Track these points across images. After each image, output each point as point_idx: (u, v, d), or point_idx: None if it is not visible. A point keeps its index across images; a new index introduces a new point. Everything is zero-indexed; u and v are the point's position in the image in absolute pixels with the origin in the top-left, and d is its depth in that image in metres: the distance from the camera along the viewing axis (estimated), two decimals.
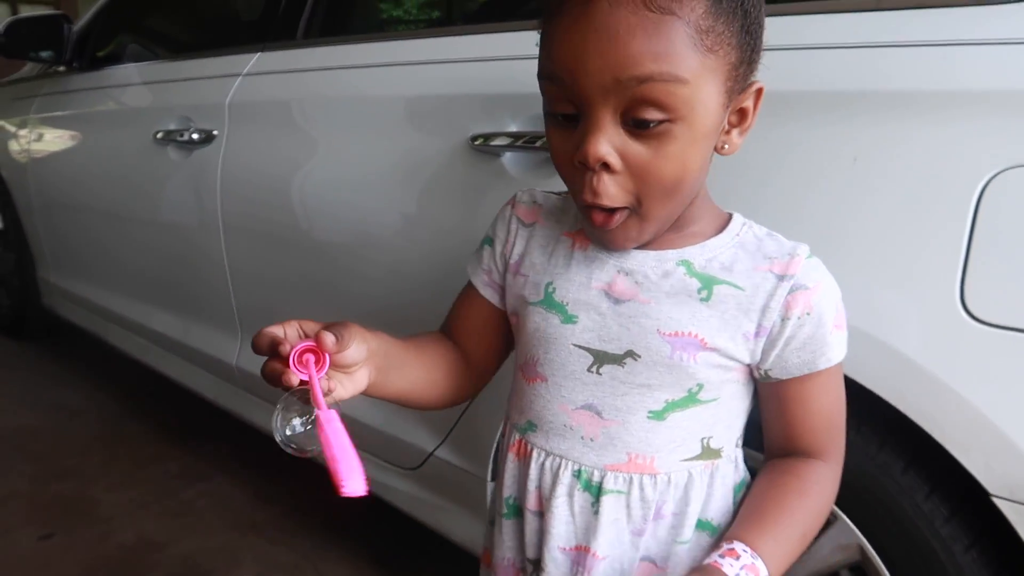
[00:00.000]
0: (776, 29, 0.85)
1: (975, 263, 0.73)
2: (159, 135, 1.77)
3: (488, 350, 0.85)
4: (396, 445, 1.38)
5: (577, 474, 0.74)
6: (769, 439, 0.76)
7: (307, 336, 0.63)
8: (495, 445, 1.16)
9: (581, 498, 0.74)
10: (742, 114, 0.68)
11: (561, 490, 0.75)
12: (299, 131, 1.46)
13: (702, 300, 0.70)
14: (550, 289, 0.76)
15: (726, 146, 0.68)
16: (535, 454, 0.77)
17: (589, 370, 0.73)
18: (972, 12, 0.78)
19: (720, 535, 0.73)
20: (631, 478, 0.73)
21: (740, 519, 0.71)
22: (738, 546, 0.66)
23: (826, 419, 0.73)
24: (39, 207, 2.48)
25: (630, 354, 0.71)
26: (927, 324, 0.75)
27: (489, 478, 1.22)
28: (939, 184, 0.75)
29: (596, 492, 0.74)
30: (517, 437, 0.80)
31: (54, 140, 2.35)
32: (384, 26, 2.02)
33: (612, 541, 0.74)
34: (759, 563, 0.65)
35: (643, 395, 0.72)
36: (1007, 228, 0.72)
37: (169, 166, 1.76)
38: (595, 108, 0.61)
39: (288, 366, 0.61)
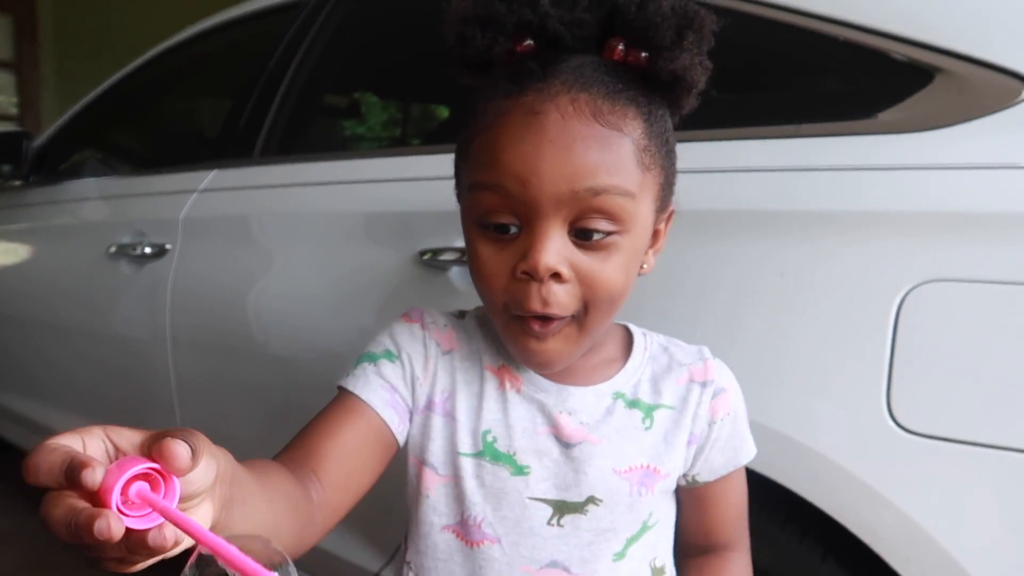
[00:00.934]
0: (707, 153, 0.92)
1: (899, 373, 0.76)
2: (112, 249, 1.77)
3: (355, 485, 0.68)
4: (339, 566, 1.32)
5: None
6: (687, 537, 0.76)
7: (119, 453, 0.41)
8: None
9: None
10: (656, 235, 0.69)
11: None
12: (251, 245, 1.48)
13: (646, 429, 0.70)
14: (489, 438, 0.69)
15: (645, 265, 0.68)
16: None
17: (549, 523, 0.68)
18: (881, 140, 0.84)
19: None
20: None
21: None
22: None
23: (740, 510, 0.75)
24: None
25: (591, 500, 0.68)
26: (859, 434, 0.77)
27: None
28: (860, 298, 0.79)
29: None
30: None
31: (6, 253, 2.33)
32: (341, 144, 2.09)
33: None
34: None
35: (608, 540, 0.69)
36: (925, 340, 0.75)
37: (121, 280, 1.75)
38: (545, 219, 0.60)
39: (104, 503, 0.37)
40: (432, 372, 0.72)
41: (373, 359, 0.72)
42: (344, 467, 0.66)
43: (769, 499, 0.82)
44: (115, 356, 1.82)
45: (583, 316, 0.64)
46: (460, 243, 1.15)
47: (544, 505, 0.69)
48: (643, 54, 0.62)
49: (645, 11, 0.60)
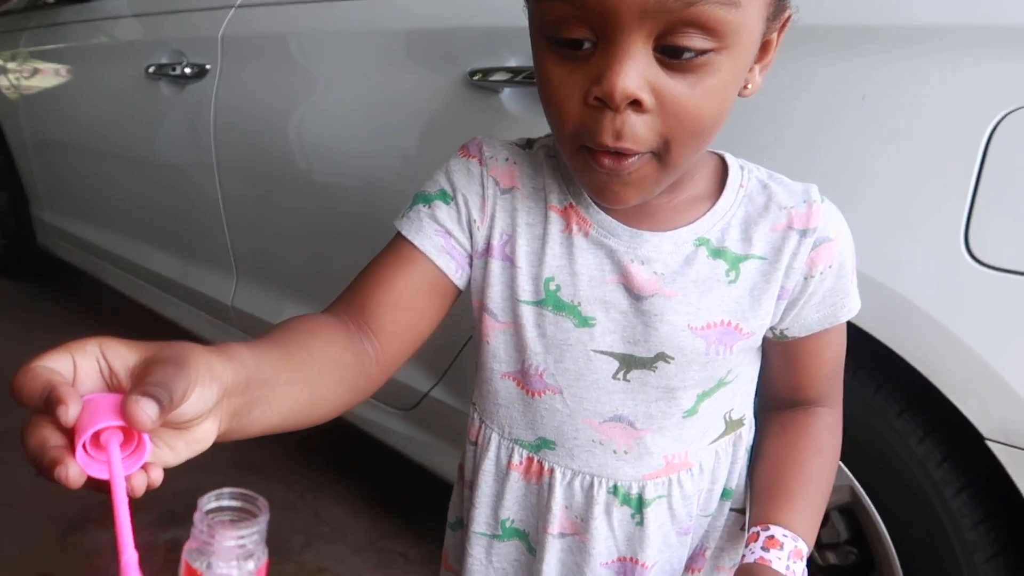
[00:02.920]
0: None
1: (980, 206, 0.71)
2: (151, 69, 1.73)
3: (412, 334, 0.66)
4: (391, 386, 1.38)
5: (613, 490, 0.67)
6: (773, 391, 0.71)
7: (114, 380, 0.40)
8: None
9: (620, 512, 0.67)
10: (765, 47, 0.58)
11: (598, 510, 0.67)
12: (294, 67, 1.43)
13: (730, 283, 0.63)
14: (552, 286, 0.64)
15: (749, 85, 0.58)
16: (558, 474, 0.68)
17: (615, 377, 0.65)
18: None
19: (740, 504, 0.71)
20: (669, 480, 0.67)
21: (767, 496, 0.66)
22: (776, 531, 0.62)
23: (834, 367, 0.69)
24: (31, 145, 2.44)
25: (661, 356, 0.63)
26: (929, 267, 0.74)
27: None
28: (947, 126, 0.73)
29: (637, 504, 0.67)
30: (526, 455, 0.69)
31: (44, 75, 2.30)
32: None
33: (659, 547, 0.68)
34: (800, 543, 0.62)
35: (677, 398, 0.65)
36: (1014, 172, 0.70)
37: (162, 102, 1.72)
38: (626, 32, 0.50)
39: (72, 447, 0.37)
40: (490, 214, 0.66)
41: (428, 200, 0.67)
42: (400, 319, 0.65)
43: None
44: (162, 181, 1.83)
45: (665, 153, 0.55)
46: (513, 62, 1.09)
47: (610, 358, 0.64)
48: None
49: None
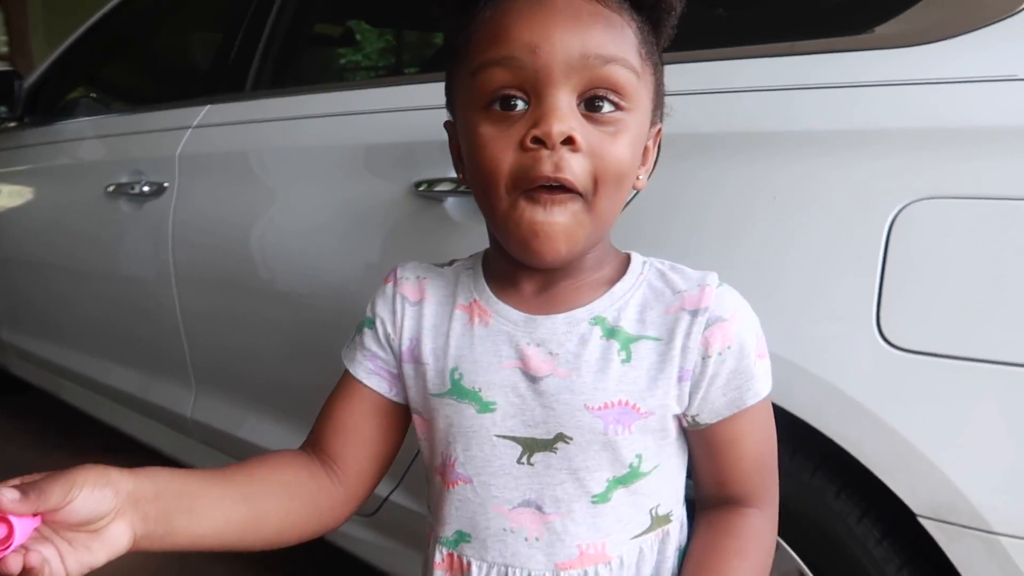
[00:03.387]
0: (701, 74, 0.90)
1: (888, 293, 0.76)
2: (111, 188, 1.77)
3: (368, 453, 0.72)
4: None
5: None
6: (700, 487, 0.72)
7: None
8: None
9: None
10: (645, 154, 0.68)
11: None
12: (250, 181, 1.48)
13: (623, 362, 0.65)
14: (456, 376, 0.67)
15: (640, 177, 0.68)
16: (475, 568, 0.68)
17: (519, 462, 0.66)
18: (876, 55, 0.83)
19: None
20: (586, 572, 0.66)
21: None
22: None
23: (758, 460, 0.69)
24: None
25: (560, 437, 0.65)
26: (847, 351, 0.78)
27: None
28: (852, 218, 0.79)
29: None
30: (446, 552, 0.70)
31: (7, 195, 2.33)
32: (336, 75, 2.05)
33: None
34: None
35: (582, 480, 0.65)
36: (916, 257, 0.76)
37: (121, 219, 1.76)
38: (556, 86, 0.59)
39: None
40: (399, 325, 0.72)
41: (360, 329, 0.76)
42: (350, 442, 0.72)
43: None
44: (121, 295, 1.84)
45: (592, 195, 0.61)
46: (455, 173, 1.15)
47: (512, 443, 0.66)
48: None
49: None
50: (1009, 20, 0.76)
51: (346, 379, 0.74)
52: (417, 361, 0.71)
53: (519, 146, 0.60)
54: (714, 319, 0.65)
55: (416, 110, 1.23)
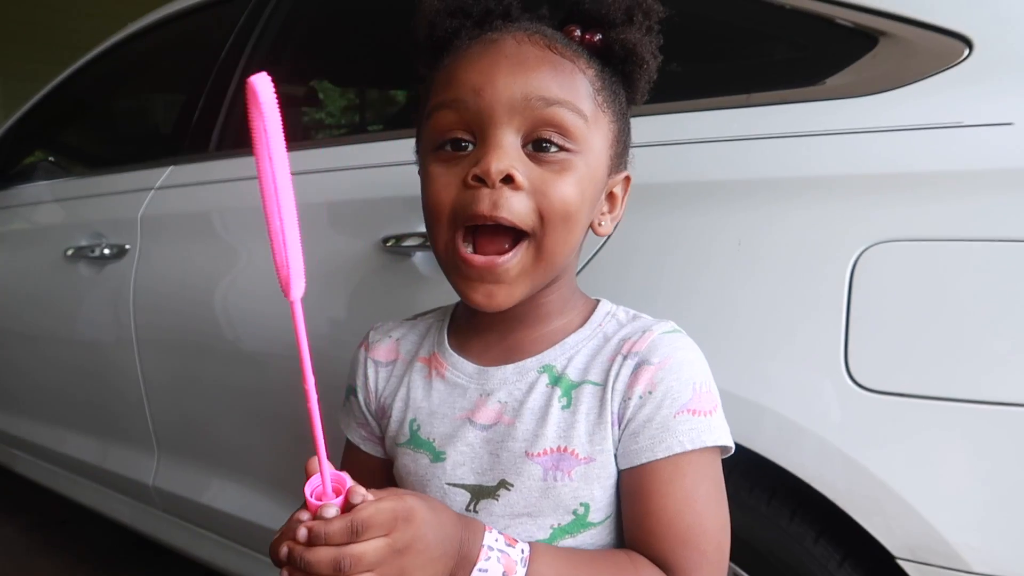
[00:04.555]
0: (660, 126, 0.92)
1: (854, 335, 0.77)
2: (70, 252, 1.74)
3: None
4: None
5: None
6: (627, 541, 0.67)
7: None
8: None
9: None
10: (612, 201, 0.71)
11: None
12: (214, 241, 1.46)
13: (563, 408, 0.65)
14: (414, 426, 0.71)
15: (602, 224, 0.69)
16: None
17: (467, 509, 0.67)
18: (829, 105, 0.86)
19: None
20: None
21: (552, 547, 0.63)
22: (522, 545, 0.60)
23: (675, 524, 0.62)
24: None
25: (502, 484, 0.66)
26: (819, 395, 0.79)
27: None
28: (815, 263, 0.81)
29: None
30: None
31: None
32: (300, 134, 2.06)
33: None
34: (520, 566, 0.58)
35: (525, 527, 0.66)
36: (879, 299, 0.77)
37: (81, 283, 1.72)
38: (499, 126, 0.61)
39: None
40: (374, 389, 0.76)
41: (347, 396, 0.80)
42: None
43: (737, 465, 0.83)
44: (81, 360, 1.79)
45: (540, 234, 0.62)
46: (422, 227, 1.15)
47: (462, 491, 0.68)
48: (597, 36, 0.67)
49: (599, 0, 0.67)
50: (952, 70, 0.80)
51: (348, 445, 0.80)
52: (386, 416, 0.74)
53: (462, 183, 0.62)
54: (642, 362, 0.65)
55: (381, 167, 1.23)
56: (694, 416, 0.63)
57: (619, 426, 0.65)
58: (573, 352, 0.68)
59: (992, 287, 0.72)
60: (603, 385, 0.65)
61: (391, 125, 1.75)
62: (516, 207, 0.61)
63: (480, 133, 0.62)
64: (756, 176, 0.87)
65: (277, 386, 1.34)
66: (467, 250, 0.63)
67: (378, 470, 0.78)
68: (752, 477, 0.84)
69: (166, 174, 1.61)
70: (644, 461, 0.63)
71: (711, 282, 0.86)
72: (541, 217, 0.62)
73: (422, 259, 1.13)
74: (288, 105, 2.23)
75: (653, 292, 0.89)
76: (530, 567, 0.59)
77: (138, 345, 1.58)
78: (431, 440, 0.70)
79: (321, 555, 0.52)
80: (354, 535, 0.52)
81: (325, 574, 0.51)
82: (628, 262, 0.90)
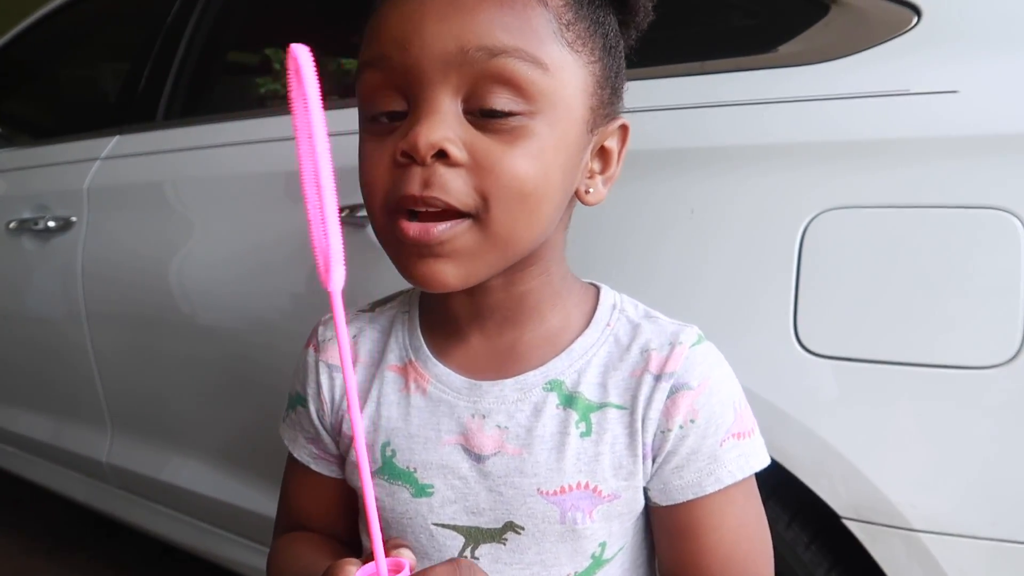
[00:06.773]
0: None
1: (804, 301, 0.78)
2: (12, 225, 1.68)
3: (354, 522, 0.66)
4: None
5: None
6: (661, 574, 0.62)
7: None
8: None
9: None
10: (605, 158, 0.57)
11: None
12: (167, 212, 1.42)
13: (582, 435, 0.54)
14: (388, 452, 0.58)
15: (591, 190, 0.56)
16: None
17: (462, 555, 0.56)
18: (781, 73, 0.86)
19: None
20: None
21: None
22: None
23: (727, 558, 0.56)
24: None
25: (510, 527, 0.55)
26: (768, 360, 0.80)
27: None
28: (767, 230, 0.82)
29: None
30: None
31: None
32: (256, 103, 2.01)
33: None
34: None
35: (538, 575, 0.56)
36: (828, 266, 0.78)
37: (25, 257, 1.67)
38: (431, 88, 0.49)
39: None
40: (329, 399, 0.63)
41: (292, 405, 0.67)
42: (339, 523, 0.67)
43: None
44: (28, 336, 1.74)
45: (484, 214, 0.50)
46: None
47: (454, 533, 0.57)
48: None
49: None
50: (901, 38, 0.80)
51: (295, 465, 0.66)
52: (343, 432, 0.62)
53: (392, 161, 0.50)
54: (679, 386, 0.55)
55: (338, 135, 1.21)
56: (740, 441, 0.56)
57: (652, 459, 0.55)
58: (583, 363, 0.56)
59: (937, 253, 0.74)
60: (629, 409, 0.55)
61: (348, 93, 1.71)
62: (451, 186, 0.49)
63: (412, 98, 0.50)
64: (709, 144, 0.87)
65: (235, 358, 1.33)
66: (400, 234, 0.52)
67: (336, 495, 0.65)
68: None
69: (112, 143, 1.56)
70: (692, 497, 0.56)
71: (668, 253, 0.86)
72: (484, 198, 0.50)
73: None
74: (239, 74, 2.20)
75: (619, 265, 0.88)
76: None
77: (88, 319, 1.55)
78: (411, 470, 0.57)
79: None
80: None
81: None
82: (593, 234, 0.89)
